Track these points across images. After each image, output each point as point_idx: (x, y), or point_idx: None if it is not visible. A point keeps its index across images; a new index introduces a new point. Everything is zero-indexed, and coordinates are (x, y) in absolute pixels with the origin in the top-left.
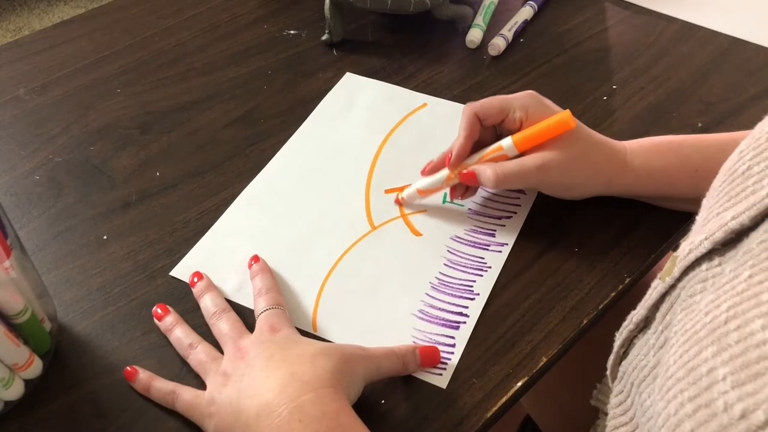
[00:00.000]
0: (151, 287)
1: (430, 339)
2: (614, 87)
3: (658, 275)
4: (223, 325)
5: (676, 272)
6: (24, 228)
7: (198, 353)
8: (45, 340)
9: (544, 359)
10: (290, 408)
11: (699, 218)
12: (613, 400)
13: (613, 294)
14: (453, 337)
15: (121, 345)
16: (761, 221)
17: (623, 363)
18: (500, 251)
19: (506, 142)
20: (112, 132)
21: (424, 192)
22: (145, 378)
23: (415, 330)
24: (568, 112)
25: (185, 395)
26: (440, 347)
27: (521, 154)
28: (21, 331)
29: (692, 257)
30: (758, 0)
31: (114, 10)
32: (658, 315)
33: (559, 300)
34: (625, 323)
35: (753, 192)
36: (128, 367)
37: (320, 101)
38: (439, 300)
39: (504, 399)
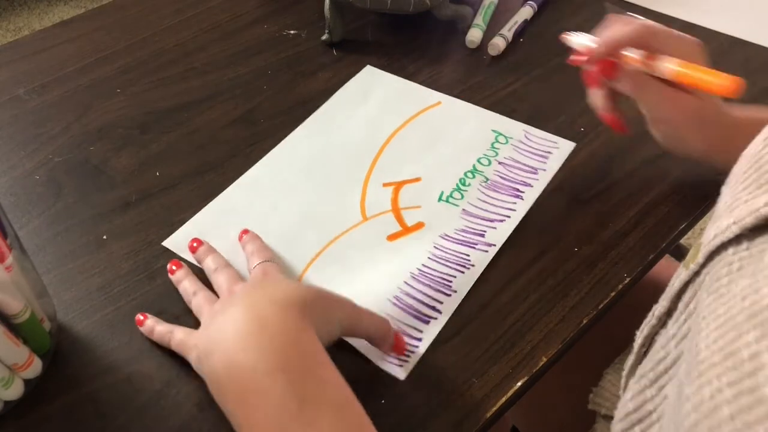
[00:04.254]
0: (151, 287)
1: (398, 328)
2: None
3: (681, 263)
4: (221, 277)
5: (701, 258)
6: (24, 228)
7: (198, 298)
8: (45, 340)
9: (544, 359)
10: (254, 317)
11: (721, 204)
12: (629, 404)
13: (613, 294)
14: (421, 331)
15: (121, 345)
16: None
17: (643, 362)
18: (487, 251)
19: (673, 62)
20: (112, 132)
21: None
22: (150, 323)
23: (386, 315)
24: (732, 80)
25: (178, 334)
26: (407, 339)
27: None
28: (21, 331)
29: (718, 241)
30: (758, 0)
31: (114, 10)
32: (680, 305)
33: (559, 300)
34: (647, 319)
35: None
36: (140, 315)
37: (320, 101)
38: (416, 290)
39: (504, 399)
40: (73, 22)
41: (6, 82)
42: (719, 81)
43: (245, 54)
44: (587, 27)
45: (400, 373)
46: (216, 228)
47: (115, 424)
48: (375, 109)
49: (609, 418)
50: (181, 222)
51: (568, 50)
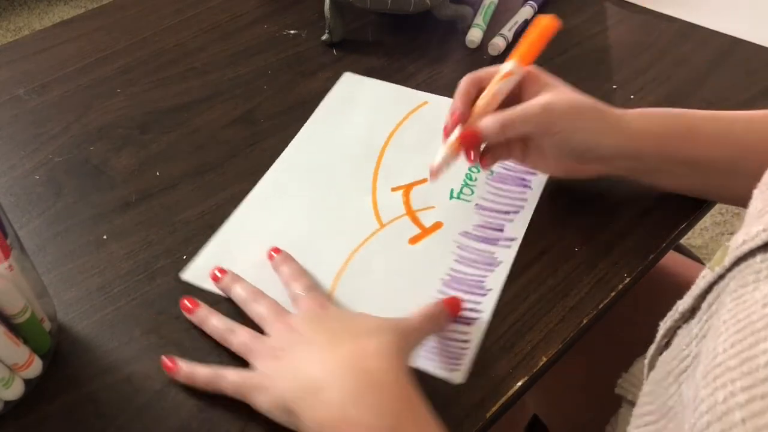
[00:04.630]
0: (151, 287)
1: (443, 335)
2: (614, 87)
3: (708, 265)
4: (261, 308)
5: (727, 262)
6: (24, 228)
7: (240, 335)
8: (45, 340)
9: (544, 359)
10: (360, 376)
11: (752, 209)
12: (645, 389)
13: (613, 294)
14: (467, 333)
15: (121, 345)
16: None
17: (663, 353)
18: (509, 246)
19: (509, 64)
20: (112, 132)
21: (447, 159)
22: (187, 368)
23: None
24: (543, 16)
25: (231, 376)
26: (454, 344)
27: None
28: (21, 331)
29: (746, 248)
30: (758, 0)
31: (114, 10)
32: (704, 305)
33: (559, 300)
34: (671, 313)
35: None
36: (165, 359)
37: (320, 101)
38: (451, 296)
39: (504, 399)
40: (73, 22)
41: (6, 82)
42: (545, 23)
43: (245, 54)
44: (587, 27)
45: (457, 377)
46: (232, 254)
47: (115, 424)
48: (364, 116)
49: (634, 404)
50: (182, 222)
51: (569, 50)
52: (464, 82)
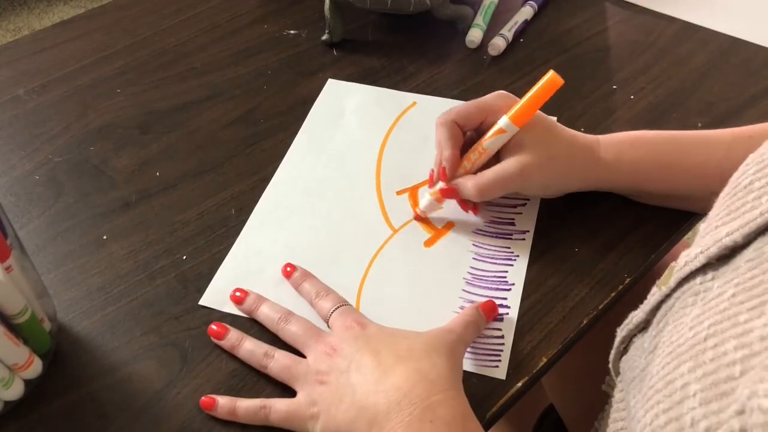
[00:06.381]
0: (151, 287)
1: (479, 334)
2: (614, 87)
3: (657, 282)
4: (294, 328)
5: (672, 282)
6: (24, 228)
7: (279, 360)
8: (45, 340)
9: (544, 359)
10: (421, 408)
11: (702, 228)
12: (617, 395)
13: (613, 294)
14: (500, 329)
15: (121, 345)
16: (753, 239)
17: (623, 359)
18: (524, 239)
19: (503, 121)
20: (112, 132)
21: (431, 208)
22: (227, 403)
23: None
24: (552, 71)
25: (278, 406)
26: (489, 340)
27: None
28: (21, 331)
29: (687, 270)
30: (758, 0)
31: (114, 10)
32: (654, 320)
33: (559, 300)
34: (626, 321)
35: (751, 208)
36: (204, 398)
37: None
38: (476, 294)
39: (504, 399)
40: (73, 22)
41: (6, 82)
42: (549, 80)
43: (245, 54)
44: (587, 27)
45: (500, 374)
46: (247, 274)
47: (115, 424)
48: (356, 122)
49: None
50: (182, 222)
51: (569, 50)
52: (449, 130)
